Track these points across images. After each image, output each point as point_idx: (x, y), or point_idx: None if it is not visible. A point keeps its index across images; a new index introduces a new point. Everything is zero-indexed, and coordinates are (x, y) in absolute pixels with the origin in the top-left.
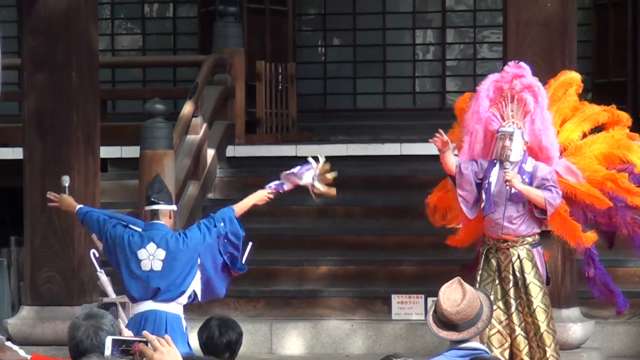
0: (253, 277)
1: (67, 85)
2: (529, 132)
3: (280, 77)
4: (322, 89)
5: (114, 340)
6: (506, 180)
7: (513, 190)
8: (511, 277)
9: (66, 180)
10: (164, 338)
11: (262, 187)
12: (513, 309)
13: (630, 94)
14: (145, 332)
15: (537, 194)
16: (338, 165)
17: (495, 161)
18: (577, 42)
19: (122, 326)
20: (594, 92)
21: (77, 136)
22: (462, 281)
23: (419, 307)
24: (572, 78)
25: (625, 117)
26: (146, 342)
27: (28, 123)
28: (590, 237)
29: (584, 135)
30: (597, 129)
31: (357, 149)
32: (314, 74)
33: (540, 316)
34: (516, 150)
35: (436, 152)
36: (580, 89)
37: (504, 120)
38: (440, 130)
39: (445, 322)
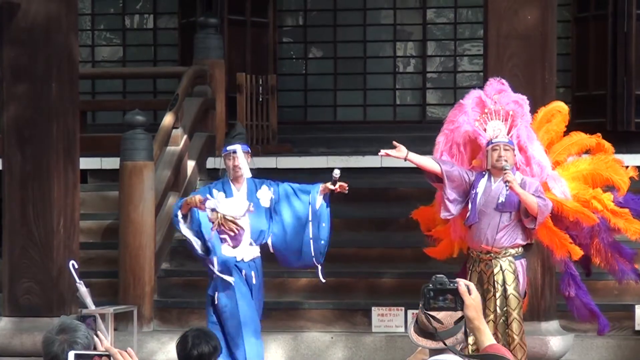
0: None
1: (47, 96)
2: (519, 144)
3: (260, 89)
4: (302, 101)
5: (76, 355)
6: (506, 181)
7: (500, 200)
8: (492, 288)
9: (337, 173)
10: (126, 351)
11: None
12: (488, 319)
13: (609, 107)
14: (107, 346)
15: (532, 200)
16: (318, 177)
17: (483, 173)
18: (557, 55)
19: (98, 339)
20: (574, 105)
21: (57, 147)
22: None
23: (399, 319)
24: (562, 107)
25: (609, 147)
26: (109, 356)
27: (7, 134)
28: (578, 251)
29: (569, 157)
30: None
31: (338, 161)
32: (294, 86)
33: (516, 329)
34: (510, 159)
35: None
36: (567, 119)
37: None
38: (383, 151)
39: (425, 330)
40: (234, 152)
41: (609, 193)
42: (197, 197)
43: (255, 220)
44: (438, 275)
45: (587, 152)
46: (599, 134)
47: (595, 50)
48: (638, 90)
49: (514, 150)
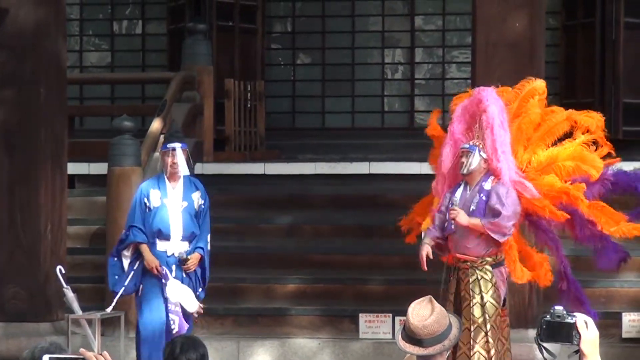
0: (220, 295)
1: (35, 101)
2: (487, 151)
3: (249, 95)
4: (290, 107)
5: (50, 359)
6: (452, 219)
7: (472, 208)
8: (468, 296)
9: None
10: (101, 354)
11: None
12: (464, 327)
13: None
14: (82, 350)
15: (476, 223)
16: (306, 183)
17: (460, 182)
18: (545, 62)
19: (87, 348)
20: None
21: (45, 152)
22: (433, 299)
23: (387, 326)
24: (535, 88)
25: (593, 123)
26: None
27: None
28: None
29: (546, 147)
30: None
31: (326, 168)
32: (282, 92)
33: (493, 336)
34: (469, 164)
35: (404, 172)
36: (544, 96)
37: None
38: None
39: (411, 336)
40: (173, 149)
41: (579, 184)
42: (157, 264)
43: (187, 220)
44: (557, 307)
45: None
46: (571, 110)
47: (584, 58)
48: (626, 98)
49: (481, 155)
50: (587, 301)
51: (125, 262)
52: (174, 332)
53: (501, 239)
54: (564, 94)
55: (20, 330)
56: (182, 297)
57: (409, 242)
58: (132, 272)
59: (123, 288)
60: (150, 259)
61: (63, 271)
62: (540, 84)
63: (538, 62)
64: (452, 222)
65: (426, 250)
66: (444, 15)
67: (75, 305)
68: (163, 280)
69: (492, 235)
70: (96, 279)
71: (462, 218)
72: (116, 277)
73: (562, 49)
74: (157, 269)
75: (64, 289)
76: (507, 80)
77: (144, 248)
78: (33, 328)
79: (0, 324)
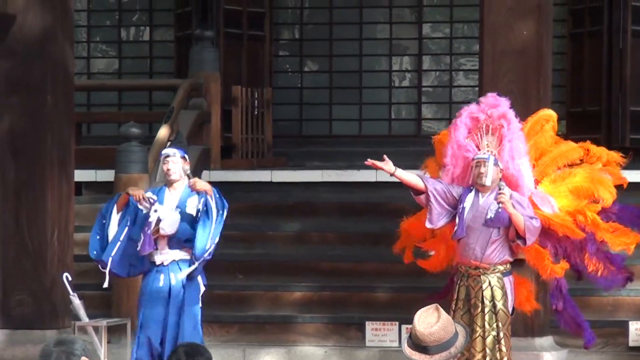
0: (227, 302)
1: (42, 107)
2: (502, 160)
3: (256, 102)
4: (298, 114)
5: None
6: (499, 202)
7: (489, 216)
8: (480, 303)
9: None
10: None
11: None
12: (477, 334)
13: (604, 123)
14: (83, 358)
15: (520, 220)
16: (313, 191)
17: (471, 188)
18: (552, 70)
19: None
20: (568, 121)
21: (51, 159)
22: (440, 307)
23: (393, 334)
24: (549, 115)
25: (603, 153)
26: None
27: (1, 145)
28: (561, 267)
29: (558, 169)
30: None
31: (333, 175)
32: (290, 99)
33: (506, 344)
34: (490, 175)
35: None
36: (556, 127)
37: (480, 150)
38: (370, 161)
39: (418, 344)
40: (167, 155)
41: (594, 204)
42: (141, 192)
43: (181, 225)
44: None
45: (581, 160)
46: (589, 141)
47: (590, 66)
48: (633, 107)
49: (497, 165)
50: (584, 323)
51: (111, 232)
52: (137, 249)
53: (530, 240)
54: (571, 102)
55: (26, 338)
56: (164, 213)
57: (406, 262)
58: (119, 243)
59: (110, 259)
60: (134, 189)
61: (70, 278)
62: (553, 114)
63: (545, 70)
64: (499, 205)
65: (387, 166)
66: (452, 23)
67: (82, 312)
68: (151, 203)
69: (527, 234)
70: (102, 286)
71: (509, 204)
72: (95, 252)
73: (569, 56)
74: (142, 197)
75: (71, 296)
76: (515, 88)
77: (128, 189)
78: (39, 335)
79: (6, 330)
